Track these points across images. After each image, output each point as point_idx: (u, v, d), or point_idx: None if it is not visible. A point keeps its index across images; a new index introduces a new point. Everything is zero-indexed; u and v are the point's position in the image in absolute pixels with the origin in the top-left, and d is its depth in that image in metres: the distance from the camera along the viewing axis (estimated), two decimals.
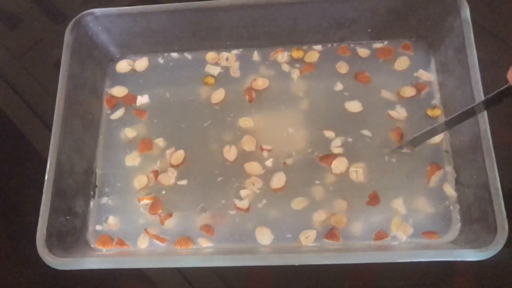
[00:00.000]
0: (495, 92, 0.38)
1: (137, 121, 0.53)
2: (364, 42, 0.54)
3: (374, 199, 0.47)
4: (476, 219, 0.43)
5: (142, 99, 0.53)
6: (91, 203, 0.50)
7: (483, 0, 0.56)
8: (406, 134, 0.49)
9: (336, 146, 0.49)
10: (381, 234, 0.46)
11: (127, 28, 0.52)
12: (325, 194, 0.48)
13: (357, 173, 0.48)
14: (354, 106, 0.51)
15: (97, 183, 0.50)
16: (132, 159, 0.51)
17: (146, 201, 0.49)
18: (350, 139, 0.50)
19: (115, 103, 0.54)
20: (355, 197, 0.47)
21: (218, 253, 0.46)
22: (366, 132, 0.50)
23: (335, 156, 0.49)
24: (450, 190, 0.46)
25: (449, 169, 0.47)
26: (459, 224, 0.45)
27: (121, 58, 0.56)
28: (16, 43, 0.60)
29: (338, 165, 0.48)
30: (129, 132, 0.52)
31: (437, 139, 0.48)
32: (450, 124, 0.43)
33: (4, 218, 0.52)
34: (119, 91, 0.54)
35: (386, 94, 0.51)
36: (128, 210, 0.49)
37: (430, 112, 0.50)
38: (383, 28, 0.52)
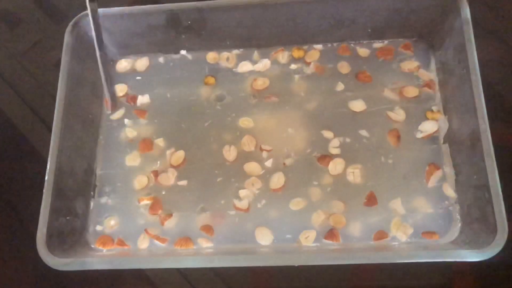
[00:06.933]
0: None
1: (137, 121, 0.53)
2: (364, 42, 0.54)
3: (371, 200, 0.47)
4: (476, 219, 0.43)
5: (143, 99, 0.53)
6: (91, 203, 0.50)
7: (483, 0, 0.56)
8: (403, 136, 0.49)
9: (334, 146, 0.49)
10: (380, 235, 0.46)
11: (127, 28, 0.52)
12: (322, 195, 0.48)
13: (354, 174, 0.48)
14: (357, 105, 0.51)
15: (97, 183, 0.50)
16: (132, 159, 0.51)
17: (146, 201, 0.49)
18: (348, 140, 0.50)
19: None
20: (352, 198, 0.47)
21: (218, 254, 0.46)
22: (363, 133, 0.50)
23: (332, 157, 0.49)
24: (449, 190, 0.46)
25: (448, 169, 0.47)
26: (459, 224, 0.45)
27: (121, 58, 0.56)
28: (16, 43, 0.60)
29: (335, 166, 0.48)
30: (130, 132, 0.52)
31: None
32: None
33: (4, 218, 0.52)
34: (119, 90, 0.54)
35: (388, 93, 0.51)
36: (128, 210, 0.49)
37: (430, 115, 0.50)
38: (383, 28, 0.52)
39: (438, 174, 0.47)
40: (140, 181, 0.50)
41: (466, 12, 0.46)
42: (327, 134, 0.50)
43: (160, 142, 0.51)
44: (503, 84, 0.53)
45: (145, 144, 0.51)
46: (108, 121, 0.53)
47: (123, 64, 0.55)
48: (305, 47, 0.54)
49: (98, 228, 0.49)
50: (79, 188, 0.48)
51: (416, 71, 0.52)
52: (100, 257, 0.46)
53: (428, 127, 0.49)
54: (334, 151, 0.49)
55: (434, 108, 0.50)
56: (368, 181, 0.48)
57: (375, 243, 0.45)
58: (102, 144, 0.52)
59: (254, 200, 0.48)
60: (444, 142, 0.49)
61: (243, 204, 0.48)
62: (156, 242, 0.47)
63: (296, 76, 0.53)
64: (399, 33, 0.53)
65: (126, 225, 0.48)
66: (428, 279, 0.46)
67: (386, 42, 0.53)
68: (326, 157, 0.49)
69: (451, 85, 0.49)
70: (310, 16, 0.51)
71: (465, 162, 0.45)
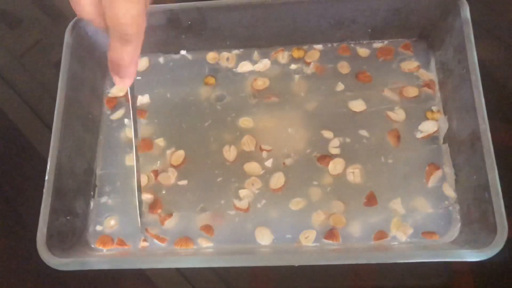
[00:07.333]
0: None
1: (137, 122, 0.52)
2: (364, 42, 0.54)
3: (371, 200, 0.47)
4: (476, 219, 0.43)
5: (143, 99, 0.53)
6: (91, 203, 0.50)
7: (483, 0, 0.56)
8: (403, 136, 0.49)
9: (334, 146, 0.49)
10: (380, 235, 0.46)
11: None
12: (322, 195, 0.48)
13: (354, 174, 0.48)
14: (357, 105, 0.51)
15: (97, 183, 0.50)
16: (132, 159, 0.51)
17: (147, 195, 0.49)
18: (348, 140, 0.50)
19: (115, 103, 0.54)
20: (352, 198, 0.47)
21: (218, 253, 0.46)
22: (363, 133, 0.50)
23: (332, 157, 0.49)
24: (449, 190, 0.46)
25: (448, 169, 0.47)
26: (459, 224, 0.45)
27: None
28: (16, 43, 0.60)
29: (335, 166, 0.48)
30: (130, 132, 0.52)
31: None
32: None
33: (4, 218, 0.52)
34: (119, 90, 0.54)
35: (388, 93, 0.51)
36: (129, 210, 0.49)
37: (429, 115, 0.50)
38: (383, 28, 0.52)
39: (438, 174, 0.47)
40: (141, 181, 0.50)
41: (466, 12, 0.46)
42: (327, 134, 0.50)
43: (160, 142, 0.51)
44: (503, 84, 0.53)
45: (145, 143, 0.51)
46: (108, 121, 0.53)
47: None
48: (305, 47, 0.54)
49: (98, 228, 0.49)
50: (79, 188, 0.48)
51: (416, 71, 0.52)
52: (100, 257, 0.46)
53: (428, 127, 0.49)
54: (334, 151, 0.49)
55: (434, 108, 0.50)
56: (368, 181, 0.48)
57: (375, 243, 0.45)
58: (102, 144, 0.52)
59: (254, 200, 0.48)
60: (444, 142, 0.49)
61: (243, 204, 0.48)
62: (156, 241, 0.47)
63: (296, 76, 0.53)
64: (399, 33, 0.53)
65: (126, 225, 0.48)
66: (428, 279, 0.46)
67: (386, 42, 0.53)
68: (326, 157, 0.49)
69: (451, 85, 0.49)
70: (310, 16, 0.51)
71: (465, 162, 0.45)
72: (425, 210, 0.46)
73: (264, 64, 0.54)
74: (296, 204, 0.47)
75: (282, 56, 0.54)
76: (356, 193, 0.47)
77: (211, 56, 0.55)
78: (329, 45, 0.54)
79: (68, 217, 0.46)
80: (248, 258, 0.42)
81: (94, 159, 0.51)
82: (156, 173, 0.50)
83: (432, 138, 0.49)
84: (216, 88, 0.53)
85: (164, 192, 0.49)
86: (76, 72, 0.50)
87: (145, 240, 0.47)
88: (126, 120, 0.53)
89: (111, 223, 0.49)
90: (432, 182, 0.47)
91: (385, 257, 0.40)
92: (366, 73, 0.52)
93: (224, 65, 0.54)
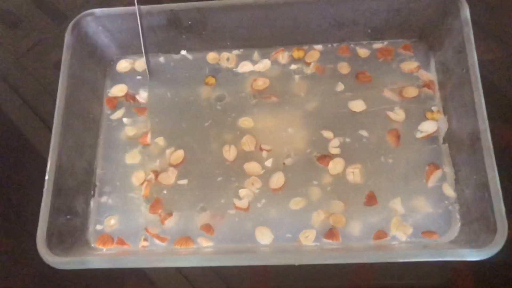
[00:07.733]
0: None
1: (137, 120, 0.53)
2: (364, 42, 0.54)
3: (371, 200, 0.47)
4: (476, 219, 0.43)
5: (143, 97, 0.53)
6: (91, 203, 0.50)
7: (483, 0, 0.56)
8: (402, 136, 0.49)
9: (334, 146, 0.49)
10: (380, 234, 0.46)
11: (127, 28, 0.52)
12: (322, 194, 0.48)
13: (354, 174, 0.48)
14: (357, 105, 0.51)
15: (97, 183, 0.50)
16: (132, 157, 0.51)
17: (145, 184, 0.49)
18: (348, 140, 0.50)
19: (115, 103, 0.54)
20: (352, 198, 0.47)
21: (218, 253, 0.46)
22: (363, 133, 0.50)
23: (332, 157, 0.49)
24: (449, 190, 0.47)
25: (448, 169, 0.47)
26: (459, 224, 0.45)
27: (121, 58, 0.56)
28: (16, 43, 0.60)
29: (335, 166, 0.48)
30: (129, 130, 0.52)
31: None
32: None
33: (4, 218, 0.52)
34: (119, 90, 0.54)
35: (388, 94, 0.51)
36: (128, 209, 0.49)
37: (429, 116, 0.50)
38: (383, 28, 0.52)
39: (438, 174, 0.47)
40: (138, 178, 0.50)
41: (465, 12, 0.46)
42: (327, 134, 0.50)
43: (159, 140, 0.51)
44: (503, 84, 0.53)
45: (145, 141, 0.51)
46: (108, 121, 0.53)
47: (123, 64, 0.55)
48: (305, 47, 0.54)
49: (98, 227, 0.49)
50: (79, 187, 0.48)
51: (416, 71, 0.52)
52: (100, 256, 0.46)
53: (428, 127, 0.49)
54: (334, 151, 0.49)
55: (433, 108, 0.50)
56: (368, 181, 0.48)
57: (375, 242, 0.45)
58: (102, 144, 0.52)
59: (254, 200, 0.48)
60: (444, 142, 0.49)
61: (243, 203, 0.48)
62: (156, 241, 0.47)
63: (296, 76, 0.53)
64: (398, 34, 0.53)
65: (126, 224, 0.48)
66: (428, 279, 0.46)
67: (386, 42, 0.54)
68: (326, 157, 0.49)
69: (450, 85, 0.49)
70: (310, 16, 0.51)
71: (465, 162, 0.45)
72: (425, 209, 0.46)
73: (264, 64, 0.54)
74: (296, 203, 0.47)
75: (282, 56, 0.54)
76: (356, 193, 0.47)
77: (211, 56, 0.55)
78: (329, 45, 0.54)
79: (68, 217, 0.46)
80: (248, 258, 0.42)
81: (94, 159, 0.51)
82: (157, 173, 0.50)
83: (432, 138, 0.49)
84: (216, 88, 0.53)
85: (164, 191, 0.49)
86: (76, 72, 0.50)
87: (145, 239, 0.47)
88: (125, 120, 0.53)
89: (111, 223, 0.49)
90: (432, 182, 0.47)
91: (385, 257, 0.40)
92: (366, 74, 0.52)
93: (224, 65, 0.54)
